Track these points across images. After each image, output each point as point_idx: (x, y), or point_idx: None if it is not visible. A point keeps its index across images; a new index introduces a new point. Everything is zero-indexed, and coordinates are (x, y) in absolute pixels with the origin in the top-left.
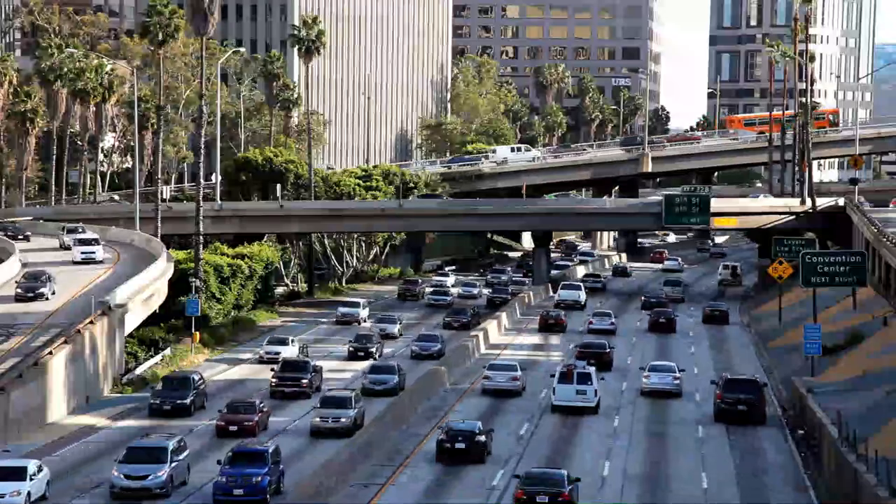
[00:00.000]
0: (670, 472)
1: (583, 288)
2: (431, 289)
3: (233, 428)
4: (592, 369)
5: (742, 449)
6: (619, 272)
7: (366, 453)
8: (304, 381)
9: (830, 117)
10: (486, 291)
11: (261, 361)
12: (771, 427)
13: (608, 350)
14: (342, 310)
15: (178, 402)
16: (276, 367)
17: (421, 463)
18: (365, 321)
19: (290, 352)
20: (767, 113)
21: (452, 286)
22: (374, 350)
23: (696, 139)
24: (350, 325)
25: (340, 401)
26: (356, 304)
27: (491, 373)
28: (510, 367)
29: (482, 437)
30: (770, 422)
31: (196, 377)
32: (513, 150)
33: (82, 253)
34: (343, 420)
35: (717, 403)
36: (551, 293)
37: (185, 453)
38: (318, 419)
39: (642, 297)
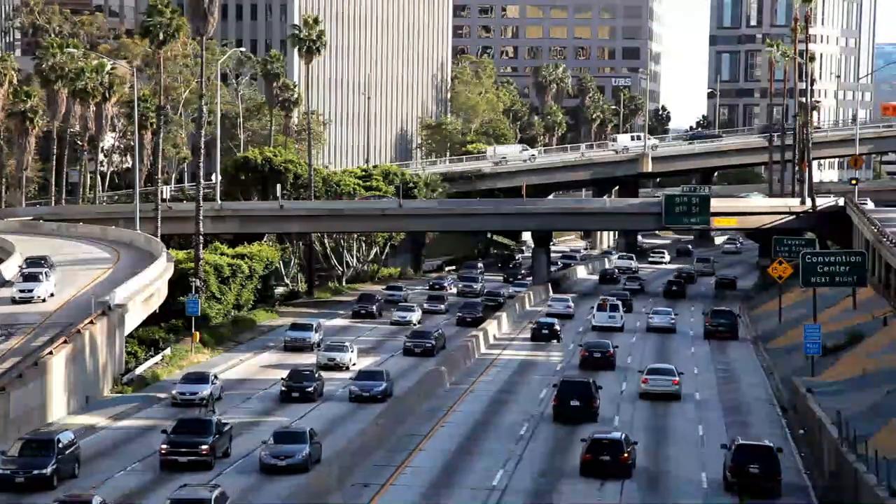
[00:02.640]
0: (671, 362)
1: (634, 258)
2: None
3: None
4: (620, 303)
5: (719, 353)
6: (683, 253)
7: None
8: (205, 447)
9: None
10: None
11: (174, 404)
12: (741, 341)
13: (629, 298)
14: (291, 333)
15: (36, 472)
16: (168, 428)
17: (521, 342)
18: (318, 346)
19: (207, 391)
20: None
21: (407, 300)
22: (311, 390)
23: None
24: (300, 351)
25: None
26: (308, 327)
27: (552, 302)
28: (566, 300)
29: (558, 328)
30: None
31: (67, 438)
32: (633, 138)
33: None
34: None
35: (706, 326)
36: (551, 293)
37: None
38: None
39: (676, 271)
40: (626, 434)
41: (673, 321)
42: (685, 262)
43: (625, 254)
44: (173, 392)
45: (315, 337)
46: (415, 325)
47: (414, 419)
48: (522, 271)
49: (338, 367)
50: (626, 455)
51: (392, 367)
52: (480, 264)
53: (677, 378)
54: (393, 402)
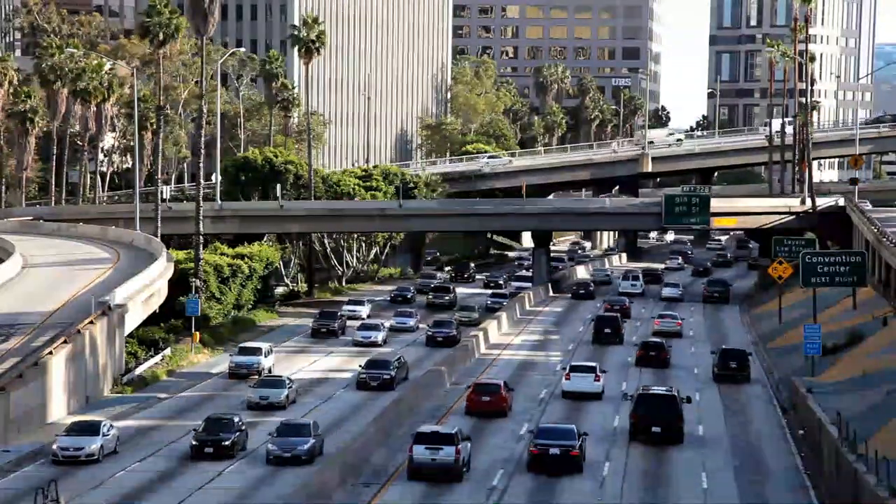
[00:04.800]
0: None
1: (689, 243)
2: (351, 320)
3: None
4: (640, 272)
5: (713, 313)
6: (742, 245)
7: None
8: None
9: None
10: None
11: (56, 462)
12: (733, 305)
13: (660, 272)
14: (237, 358)
15: None
16: None
17: (562, 300)
18: (269, 372)
19: (97, 446)
20: None
21: (368, 316)
22: (228, 444)
23: None
24: (246, 378)
25: None
26: (257, 351)
27: (595, 272)
28: (605, 270)
29: (592, 287)
30: (732, 304)
31: None
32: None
33: None
34: None
35: (703, 293)
36: (551, 293)
37: None
38: None
39: (715, 254)
40: (665, 340)
41: (680, 293)
42: (739, 250)
43: (680, 238)
44: (54, 447)
45: (266, 362)
46: (380, 345)
47: (414, 418)
48: (503, 278)
49: (272, 407)
50: (665, 353)
51: (338, 407)
52: (440, 273)
53: (680, 321)
54: (319, 471)
